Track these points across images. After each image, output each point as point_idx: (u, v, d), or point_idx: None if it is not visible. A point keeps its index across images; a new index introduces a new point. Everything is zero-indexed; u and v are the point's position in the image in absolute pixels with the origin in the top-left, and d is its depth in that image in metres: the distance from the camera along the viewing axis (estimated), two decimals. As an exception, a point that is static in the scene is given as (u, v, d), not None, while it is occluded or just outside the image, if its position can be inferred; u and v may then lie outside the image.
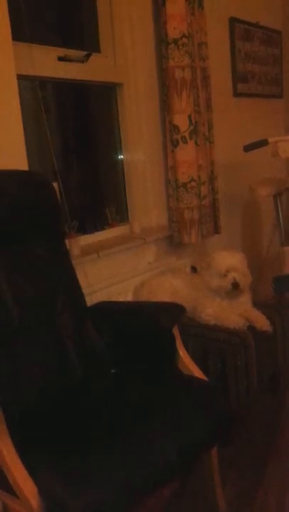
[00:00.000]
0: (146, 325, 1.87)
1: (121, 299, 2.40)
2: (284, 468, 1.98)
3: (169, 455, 1.42)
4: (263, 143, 2.68)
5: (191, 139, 2.64)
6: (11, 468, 1.32)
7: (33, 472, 1.31)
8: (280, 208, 3.05)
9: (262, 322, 2.24)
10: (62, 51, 2.33)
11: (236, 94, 3.41)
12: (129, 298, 2.46)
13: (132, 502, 1.38)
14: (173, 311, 1.89)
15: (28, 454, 1.34)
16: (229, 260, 2.22)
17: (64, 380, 1.78)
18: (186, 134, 2.63)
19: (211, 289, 2.25)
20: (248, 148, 2.72)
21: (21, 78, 2.06)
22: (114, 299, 2.33)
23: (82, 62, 2.40)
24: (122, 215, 2.78)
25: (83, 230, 2.50)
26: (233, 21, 3.30)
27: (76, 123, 2.75)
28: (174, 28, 2.54)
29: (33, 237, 1.86)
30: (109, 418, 1.52)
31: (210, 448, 1.69)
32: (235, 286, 2.20)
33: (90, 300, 2.07)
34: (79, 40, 2.57)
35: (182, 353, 1.83)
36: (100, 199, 2.84)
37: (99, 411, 1.58)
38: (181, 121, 2.62)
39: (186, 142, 2.63)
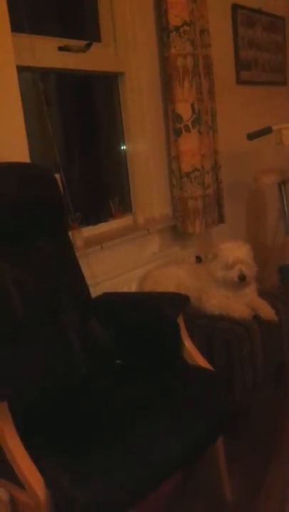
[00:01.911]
0: (151, 320, 1.86)
1: (125, 290, 2.39)
2: (287, 463, 1.97)
3: (169, 454, 1.42)
4: (266, 131, 2.66)
5: (194, 127, 2.61)
6: (17, 459, 1.32)
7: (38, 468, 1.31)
8: (284, 197, 3.04)
9: (267, 311, 2.23)
10: (62, 41, 2.31)
11: (239, 81, 3.37)
12: (134, 289, 2.45)
13: (132, 501, 1.38)
14: (177, 301, 1.88)
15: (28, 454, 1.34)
16: (236, 253, 2.20)
17: (68, 377, 1.76)
18: (190, 123, 2.61)
19: (217, 280, 2.24)
20: (251, 136, 2.71)
21: (22, 70, 2.05)
22: (118, 290, 2.32)
23: (83, 51, 2.38)
24: (125, 206, 2.76)
25: (87, 221, 2.49)
26: (236, 8, 3.26)
27: (78, 114, 2.73)
28: (176, 16, 2.51)
29: (36, 234, 1.84)
30: (110, 417, 1.51)
31: (211, 445, 1.70)
32: (242, 278, 2.19)
33: (94, 291, 2.07)
34: (79, 29, 2.54)
35: (187, 342, 1.82)
36: (103, 190, 2.83)
37: (100, 410, 1.57)
38: (184, 109, 2.59)
39: (189, 131, 2.61)
